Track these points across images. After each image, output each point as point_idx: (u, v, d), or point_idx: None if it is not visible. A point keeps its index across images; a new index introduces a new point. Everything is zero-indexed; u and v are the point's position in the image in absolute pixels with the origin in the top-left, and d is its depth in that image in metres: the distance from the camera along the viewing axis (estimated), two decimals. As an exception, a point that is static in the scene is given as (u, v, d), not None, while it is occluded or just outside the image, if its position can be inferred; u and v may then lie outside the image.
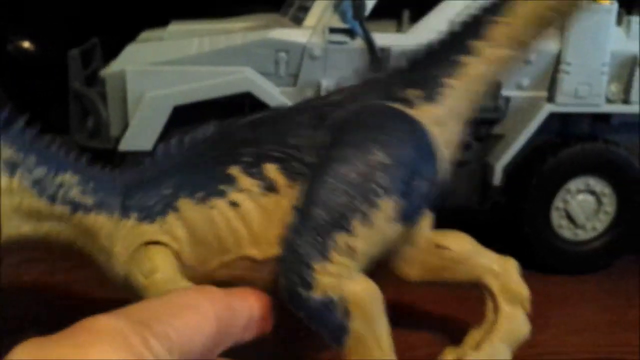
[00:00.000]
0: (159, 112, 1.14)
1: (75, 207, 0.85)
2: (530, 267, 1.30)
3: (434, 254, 0.94)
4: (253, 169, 0.84)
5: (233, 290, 0.75)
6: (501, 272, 0.95)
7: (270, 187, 0.83)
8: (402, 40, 1.22)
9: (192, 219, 0.83)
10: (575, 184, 1.30)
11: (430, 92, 0.89)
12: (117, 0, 1.87)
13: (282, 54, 1.20)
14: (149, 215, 0.84)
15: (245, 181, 0.83)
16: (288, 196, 0.83)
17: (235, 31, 1.26)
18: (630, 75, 1.27)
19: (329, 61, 1.20)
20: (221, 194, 0.83)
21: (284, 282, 0.80)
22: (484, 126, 1.28)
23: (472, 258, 0.95)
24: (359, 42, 1.20)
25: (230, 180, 0.84)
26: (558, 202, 1.30)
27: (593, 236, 1.33)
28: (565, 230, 1.32)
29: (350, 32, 1.21)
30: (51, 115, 1.22)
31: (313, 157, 0.84)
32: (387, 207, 0.82)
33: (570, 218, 1.31)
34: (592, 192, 1.30)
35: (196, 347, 0.60)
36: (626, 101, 1.28)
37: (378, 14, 1.28)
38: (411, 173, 0.83)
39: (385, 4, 1.27)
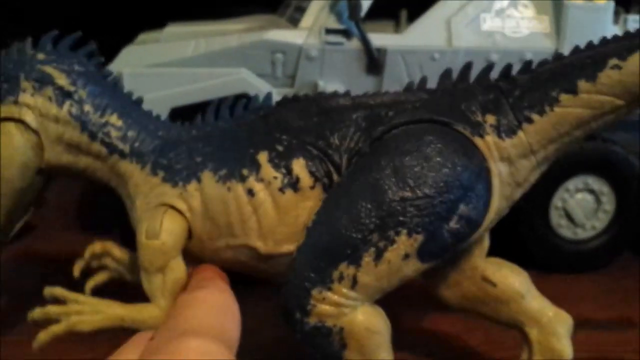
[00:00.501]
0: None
1: (112, 150, 0.85)
2: (530, 266, 1.31)
3: (477, 285, 0.86)
4: (281, 160, 0.81)
5: (208, 271, 0.78)
6: (548, 325, 0.85)
7: (292, 185, 0.80)
8: (398, 41, 1.23)
9: (209, 195, 0.82)
10: (573, 183, 1.30)
11: (509, 125, 0.80)
12: (115, 2, 1.88)
13: (279, 55, 1.20)
14: (173, 178, 0.83)
15: (268, 171, 0.80)
16: (307, 198, 0.80)
17: (232, 33, 1.26)
18: (628, 74, 1.27)
19: (326, 62, 1.21)
20: (242, 178, 0.81)
21: (283, 301, 0.78)
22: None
23: (519, 302, 0.85)
24: (355, 43, 1.21)
25: (255, 166, 0.81)
26: (557, 201, 1.30)
27: (592, 235, 1.33)
28: (565, 229, 1.32)
29: (346, 33, 1.21)
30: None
31: (345, 161, 0.80)
32: (406, 245, 0.76)
33: (569, 217, 1.31)
34: (591, 191, 1.30)
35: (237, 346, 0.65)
36: (624, 99, 1.28)
37: (376, 14, 1.28)
38: (446, 212, 0.76)
39: (383, 4, 1.27)
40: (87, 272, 0.97)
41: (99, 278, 0.96)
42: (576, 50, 0.82)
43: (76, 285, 1.03)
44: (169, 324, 0.67)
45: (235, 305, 0.71)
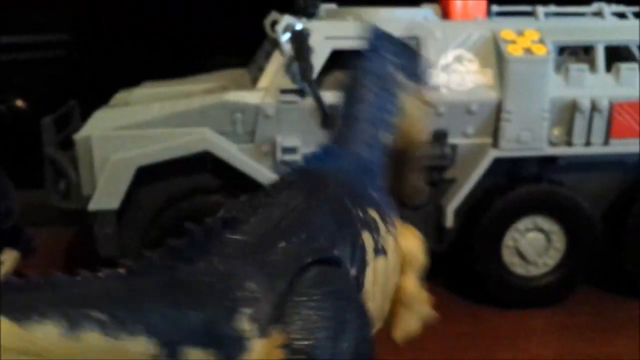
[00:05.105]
0: (123, 174, 1.23)
1: None
2: (485, 303, 1.38)
3: None
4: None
5: None
6: None
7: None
8: (349, 97, 1.30)
9: None
10: (523, 223, 1.36)
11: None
12: (96, 64, 1.99)
13: (238, 115, 1.28)
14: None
15: None
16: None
17: (198, 93, 1.36)
18: (572, 119, 1.34)
19: (282, 119, 1.29)
20: None
21: None
22: (436, 172, 1.35)
23: None
24: (309, 101, 1.29)
25: None
26: (508, 241, 1.36)
27: (545, 271, 1.39)
28: (517, 267, 1.38)
29: (300, 92, 1.29)
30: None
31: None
32: None
33: (521, 255, 1.37)
34: (541, 230, 1.37)
35: None
36: (569, 143, 1.35)
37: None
38: None
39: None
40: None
41: None
42: None
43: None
44: None
45: None
